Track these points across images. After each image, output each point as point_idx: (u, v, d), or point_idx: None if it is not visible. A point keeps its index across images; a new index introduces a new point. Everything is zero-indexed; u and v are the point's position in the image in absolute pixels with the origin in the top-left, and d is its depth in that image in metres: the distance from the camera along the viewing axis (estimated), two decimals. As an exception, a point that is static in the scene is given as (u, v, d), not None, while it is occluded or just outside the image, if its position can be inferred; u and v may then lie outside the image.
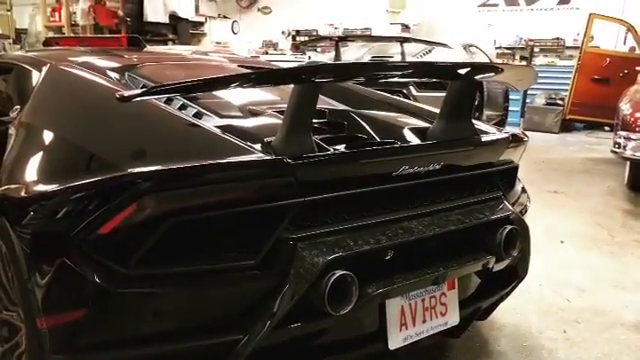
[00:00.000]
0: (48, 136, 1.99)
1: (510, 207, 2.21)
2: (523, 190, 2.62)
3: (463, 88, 2.12)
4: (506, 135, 2.29)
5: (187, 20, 12.19)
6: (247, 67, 3.17)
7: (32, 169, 1.86)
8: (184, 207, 1.55)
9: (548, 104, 10.72)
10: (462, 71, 2.01)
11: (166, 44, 12.04)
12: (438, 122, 2.19)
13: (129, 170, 1.54)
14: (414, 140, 2.14)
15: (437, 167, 1.97)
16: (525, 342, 2.75)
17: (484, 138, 2.19)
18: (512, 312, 2.98)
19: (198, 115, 2.19)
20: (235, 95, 2.54)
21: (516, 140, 2.36)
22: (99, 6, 11.02)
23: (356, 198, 1.80)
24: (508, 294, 2.40)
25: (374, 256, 1.75)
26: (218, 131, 1.86)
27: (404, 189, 1.90)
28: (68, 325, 1.55)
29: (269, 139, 1.77)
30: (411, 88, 6.26)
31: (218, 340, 1.59)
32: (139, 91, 1.47)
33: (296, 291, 1.59)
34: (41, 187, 1.71)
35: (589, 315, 3.06)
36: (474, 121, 2.34)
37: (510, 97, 9.43)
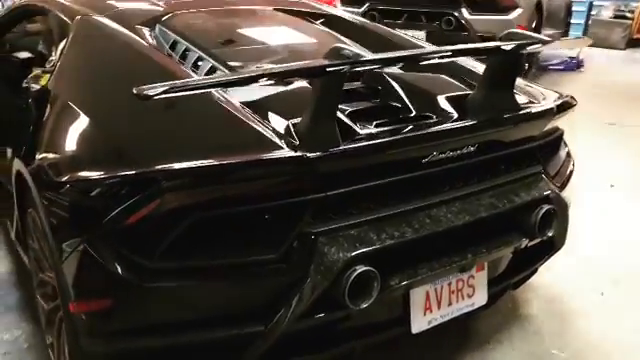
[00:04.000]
0: (78, 111, 1.98)
1: (549, 184, 2.11)
2: (568, 155, 2.49)
3: (506, 59, 1.98)
4: (551, 106, 2.14)
5: None
6: (288, 12, 3.03)
7: (66, 146, 1.88)
8: (207, 203, 1.55)
9: (616, 17, 9.97)
10: (506, 47, 1.86)
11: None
12: (478, 91, 2.06)
13: (155, 166, 1.54)
14: (451, 114, 2.02)
15: (471, 149, 1.88)
16: (559, 304, 2.72)
17: (526, 111, 2.05)
18: (546, 270, 2.92)
19: (213, 70, 2.16)
20: (266, 37, 2.48)
21: (564, 108, 2.21)
22: None
23: (381, 188, 1.75)
24: (542, 264, 2.35)
25: (398, 249, 1.72)
26: (240, 111, 1.81)
27: (433, 175, 1.83)
28: (97, 312, 1.62)
29: (294, 122, 1.72)
30: (463, 10, 5.89)
31: (240, 331, 1.63)
32: (161, 89, 1.42)
33: (315, 287, 1.59)
34: (75, 172, 1.73)
35: (631, 275, 2.97)
36: (520, 82, 2.20)
37: (573, 9, 8.81)
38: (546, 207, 1.99)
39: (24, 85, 2.54)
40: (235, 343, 1.64)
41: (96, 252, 1.56)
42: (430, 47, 2.62)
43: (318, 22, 3.01)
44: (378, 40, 2.79)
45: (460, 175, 1.93)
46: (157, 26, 2.55)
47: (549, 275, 2.86)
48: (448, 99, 2.10)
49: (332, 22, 3.03)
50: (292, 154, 1.60)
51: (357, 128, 1.78)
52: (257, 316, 1.62)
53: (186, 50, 2.36)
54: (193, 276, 1.59)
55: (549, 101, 2.21)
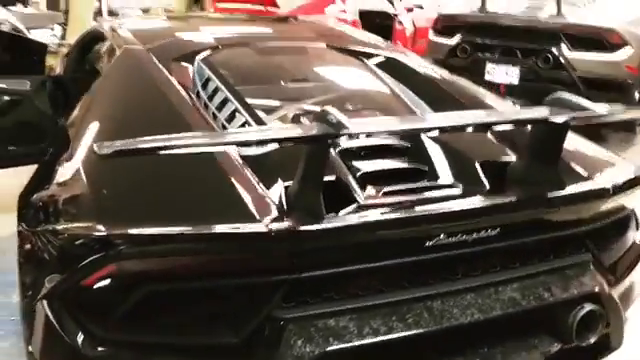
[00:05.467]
0: (78, 153, 1.90)
1: (597, 277, 1.76)
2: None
3: (550, 129, 1.67)
4: (607, 186, 1.79)
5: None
6: (342, 50, 2.82)
7: (53, 190, 1.82)
8: (164, 274, 1.43)
9: None
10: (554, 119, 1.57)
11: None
12: (518, 161, 1.78)
13: (112, 229, 1.42)
14: (481, 185, 1.75)
15: (492, 233, 1.59)
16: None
17: (570, 191, 1.72)
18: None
19: (233, 114, 2.02)
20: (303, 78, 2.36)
21: (630, 186, 1.85)
22: None
23: (370, 272, 1.52)
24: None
25: (385, 348, 1.47)
26: (234, 168, 1.65)
27: (439, 260, 1.57)
28: None
29: (287, 186, 1.54)
30: (563, 47, 5.39)
31: None
32: (118, 147, 1.30)
33: None
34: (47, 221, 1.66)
35: None
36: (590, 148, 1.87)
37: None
38: (589, 307, 1.67)
39: None
40: None
41: (50, 310, 1.47)
42: (469, 114, 2.23)
43: (372, 62, 2.78)
44: (436, 90, 2.50)
45: (476, 261, 1.66)
46: (196, 61, 2.46)
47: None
48: (484, 166, 1.82)
49: (389, 64, 2.78)
50: (260, 229, 1.41)
51: (360, 194, 1.57)
52: None
53: (215, 89, 2.24)
54: (145, 353, 1.44)
55: (610, 178, 1.85)
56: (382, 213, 1.53)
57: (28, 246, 1.66)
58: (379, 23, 8.36)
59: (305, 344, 1.40)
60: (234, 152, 1.71)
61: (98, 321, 1.43)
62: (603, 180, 1.83)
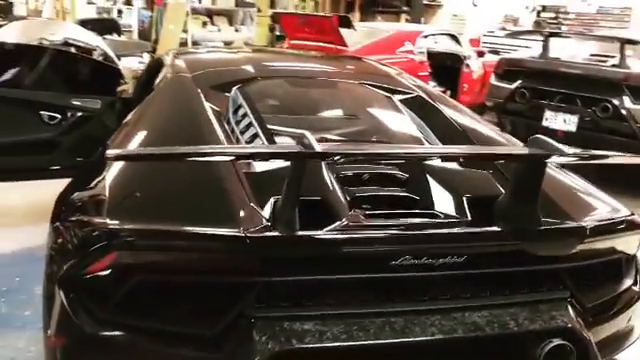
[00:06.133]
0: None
1: (570, 314, 1.81)
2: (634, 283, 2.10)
3: (530, 168, 1.77)
4: (583, 225, 1.85)
5: (421, -8, 12.01)
6: (374, 86, 3.00)
7: (85, 189, 2.08)
8: (153, 267, 1.62)
9: None
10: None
11: (398, 17, 12.08)
12: (504, 197, 1.88)
13: (112, 223, 1.65)
14: (465, 215, 1.86)
15: (457, 260, 1.70)
16: None
17: (541, 228, 1.81)
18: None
19: (253, 138, 2.24)
20: (327, 110, 2.57)
21: (612, 229, 1.90)
22: (336, -21, 11.46)
23: (337, 284, 1.66)
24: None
25: (343, 354, 1.60)
26: (235, 182, 1.86)
27: (406, 280, 1.69)
28: (56, 348, 1.75)
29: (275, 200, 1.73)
30: (625, 99, 5.29)
31: None
32: (120, 154, 1.54)
33: None
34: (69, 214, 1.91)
35: None
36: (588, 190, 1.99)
37: None
38: (557, 342, 1.71)
39: None
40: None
41: (63, 292, 1.70)
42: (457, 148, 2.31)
43: (398, 99, 2.93)
44: (449, 127, 2.63)
45: (443, 285, 1.76)
46: (234, 90, 2.72)
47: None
48: (472, 200, 1.93)
49: (414, 101, 2.93)
50: (237, 234, 1.60)
51: (345, 214, 1.73)
52: None
53: (244, 115, 2.48)
54: (132, 335, 1.65)
55: (593, 219, 1.91)
56: (352, 231, 1.68)
57: (56, 239, 1.91)
58: (450, 65, 8.48)
59: (268, 341, 1.56)
60: (239, 167, 1.93)
61: (98, 304, 1.65)
62: (583, 220, 1.89)
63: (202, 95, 2.56)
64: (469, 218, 1.85)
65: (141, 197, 1.85)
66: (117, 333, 1.65)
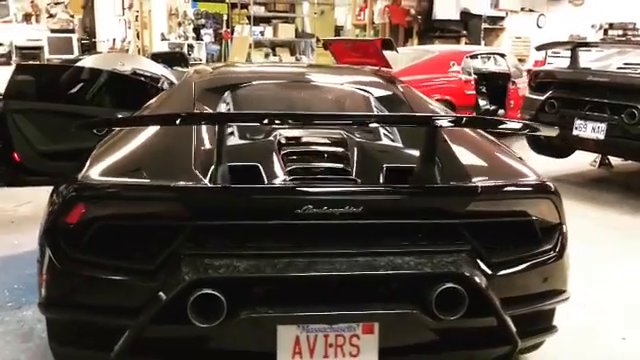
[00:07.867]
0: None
1: (469, 264, 2.04)
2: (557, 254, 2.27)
3: (428, 133, 2.07)
4: (473, 185, 2.13)
5: (480, 17, 12.16)
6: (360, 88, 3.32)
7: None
8: (112, 215, 2.04)
9: None
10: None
11: (458, 41, 12.27)
12: (417, 165, 2.16)
13: (84, 179, 2.11)
14: (378, 179, 2.18)
15: (355, 210, 1.99)
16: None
17: (437, 185, 2.09)
18: None
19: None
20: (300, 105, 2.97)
21: (507, 191, 2.14)
22: (394, 5, 11.87)
23: (257, 229, 2.03)
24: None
25: (254, 283, 1.95)
26: (198, 148, 2.30)
27: (311, 226, 2.01)
28: (43, 283, 2.19)
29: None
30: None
31: (117, 321, 2.04)
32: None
33: (165, 299, 1.92)
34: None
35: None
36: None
37: None
38: (449, 285, 1.95)
39: None
40: (114, 329, 2.04)
41: (47, 239, 2.15)
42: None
43: (374, 97, 3.21)
44: (400, 105, 3.05)
45: (345, 233, 2.05)
46: (227, 92, 3.15)
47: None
48: (392, 169, 2.24)
49: (388, 97, 3.23)
50: (166, 184, 2.00)
51: (278, 176, 2.13)
52: (129, 311, 2.01)
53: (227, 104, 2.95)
54: (94, 270, 2.06)
55: (489, 180, 2.18)
56: (267, 186, 2.04)
57: (49, 201, 2.38)
58: (500, 84, 8.65)
59: (191, 272, 1.93)
60: (199, 144, 2.34)
61: (71, 246, 2.07)
62: (481, 181, 2.13)
63: (195, 94, 3.03)
64: (380, 181, 2.15)
65: (110, 162, 2.29)
66: (85, 269, 2.07)
